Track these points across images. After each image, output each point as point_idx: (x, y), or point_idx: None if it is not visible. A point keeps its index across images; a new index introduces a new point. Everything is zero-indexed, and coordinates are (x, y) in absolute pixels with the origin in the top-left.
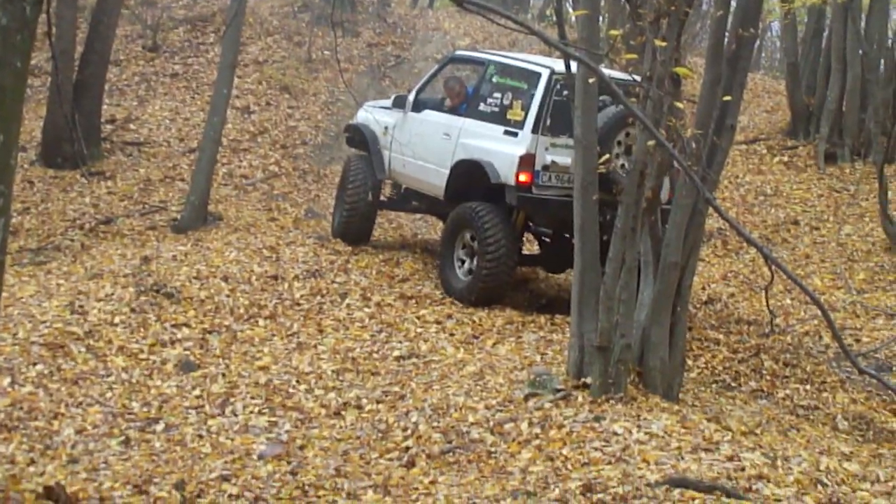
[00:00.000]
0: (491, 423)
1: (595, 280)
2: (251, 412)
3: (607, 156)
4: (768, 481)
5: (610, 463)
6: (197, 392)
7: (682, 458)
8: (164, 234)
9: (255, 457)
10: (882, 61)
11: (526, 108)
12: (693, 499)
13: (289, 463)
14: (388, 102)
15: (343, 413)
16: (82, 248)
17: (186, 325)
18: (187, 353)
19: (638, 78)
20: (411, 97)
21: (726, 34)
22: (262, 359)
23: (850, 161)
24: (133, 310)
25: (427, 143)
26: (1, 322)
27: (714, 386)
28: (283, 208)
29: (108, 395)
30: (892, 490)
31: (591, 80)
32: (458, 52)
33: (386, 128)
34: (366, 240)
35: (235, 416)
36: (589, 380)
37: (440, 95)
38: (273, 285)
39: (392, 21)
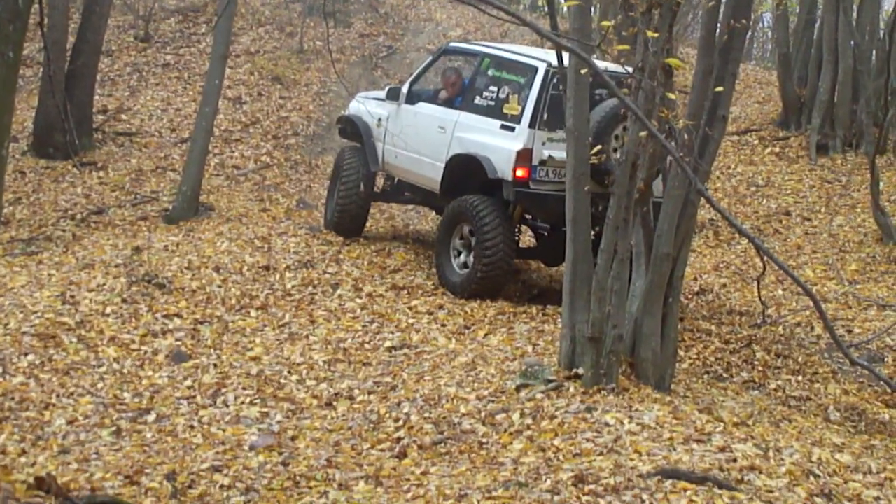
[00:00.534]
0: (482, 414)
1: (587, 271)
2: (242, 403)
3: (598, 147)
4: (760, 472)
5: (602, 454)
6: (188, 383)
7: (674, 450)
8: (156, 225)
9: (246, 447)
10: (874, 52)
11: (523, 103)
12: (685, 490)
13: (280, 454)
14: (382, 94)
15: (334, 404)
16: (74, 238)
17: (178, 315)
18: (179, 343)
19: (630, 69)
20: (405, 89)
21: (718, 25)
22: (253, 349)
23: (842, 152)
24: (124, 300)
25: (422, 136)
26: None
27: (706, 377)
28: (275, 199)
29: (100, 385)
30: (884, 481)
31: (583, 72)
32: (452, 44)
33: (379, 119)
34: (359, 232)
35: (227, 406)
36: (581, 370)
37: (434, 87)
38: (265, 276)
39: (384, 11)
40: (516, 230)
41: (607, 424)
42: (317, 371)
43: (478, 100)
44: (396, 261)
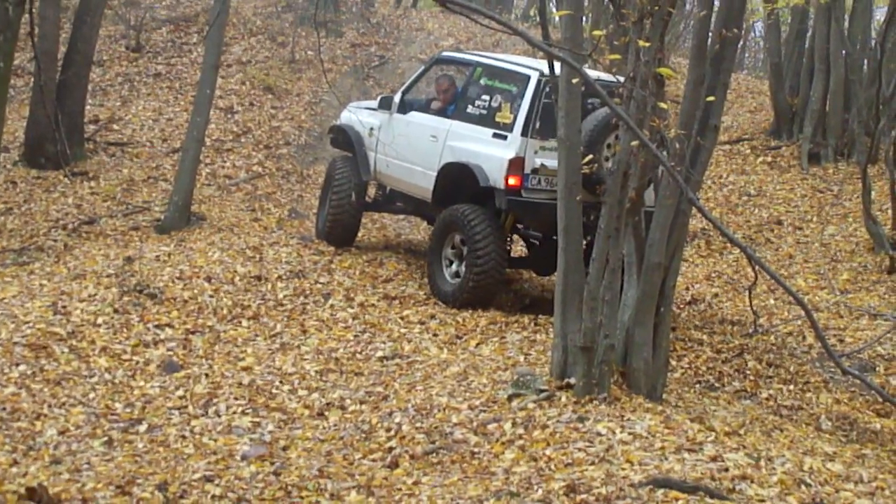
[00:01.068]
0: (474, 424)
1: (579, 280)
2: (234, 413)
3: (590, 156)
4: (752, 482)
5: (593, 463)
6: (180, 393)
7: (666, 459)
8: (148, 235)
9: (238, 457)
10: (865, 61)
11: (515, 111)
12: (676, 499)
13: (272, 464)
14: (374, 103)
15: (326, 414)
16: (65, 248)
17: (169, 325)
18: (170, 353)
19: (622, 78)
20: (397, 98)
21: (709, 35)
22: (245, 359)
23: (834, 161)
24: (116, 310)
25: (414, 145)
26: None
27: (698, 386)
28: (267, 209)
29: (91, 395)
30: (876, 490)
31: (574, 81)
32: (444, 53)
33: (371, 129)
34: (351, 241)
35: (219, 416)
36: (572, 380)
37: (426, 97)
38: (256, 286)
39: (376, 21)
40: (508, 239)
41: (599, 434)
42: (308, 381)
43: (470, 109)
44: (388, 270)
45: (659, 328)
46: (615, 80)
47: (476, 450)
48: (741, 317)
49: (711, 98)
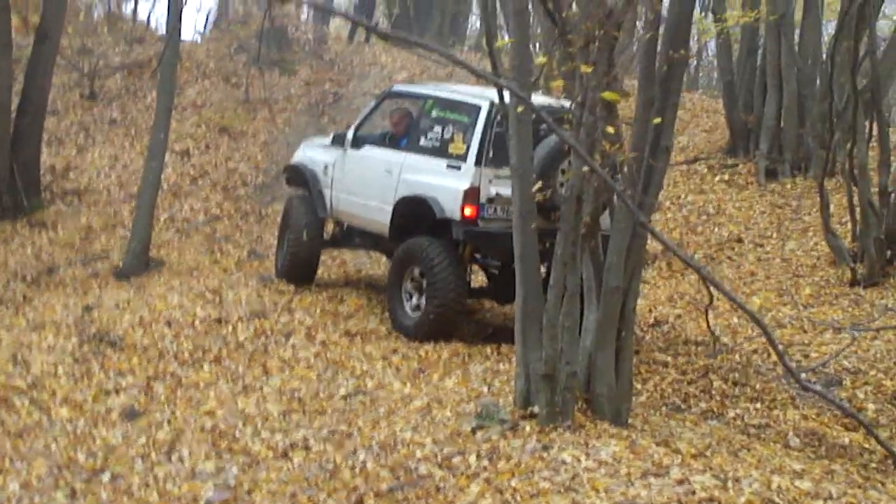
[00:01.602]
0: (439, 458)
1: (538, 308)
2: (198, 458)
3: (539, 184)
4: (719, 503)
5: (559, 492)
6: (143, 440)
7: (632, 484)
8: (107, 282)
9: (202, 503)
10: (817, 76)
11: (467, 142)
12: None
13: None
14: (327, 140)
15: (290, 454)
16: (24, 299)
17: (130, 372)
18: (132, 401)
19: (570, 104)
20: (350, 134)
21: (657, 56)
22: (207, 403)
23: (791, 176)
24: (76, 360)
25: (368, 180)
26: None
27: (663, 409)
28: (226, 250)
29: (53, 447)
30: None
31: (519, 109)
32: (396, 87)
33: (326, 166)
34: (310, 279)
35: (182, 462)
36: (536, 409)
37: (380, 131)
38: (217, 328)
39: (329, 58)
40: (467, 270)
41: (564, 462)
42: (272, 422)
43: (423, 141)
44: (349, 307)
45: (621, 352)
46: (566, 106)
47: (441, 484)
48: (705, 337)
49: (657, 120)
